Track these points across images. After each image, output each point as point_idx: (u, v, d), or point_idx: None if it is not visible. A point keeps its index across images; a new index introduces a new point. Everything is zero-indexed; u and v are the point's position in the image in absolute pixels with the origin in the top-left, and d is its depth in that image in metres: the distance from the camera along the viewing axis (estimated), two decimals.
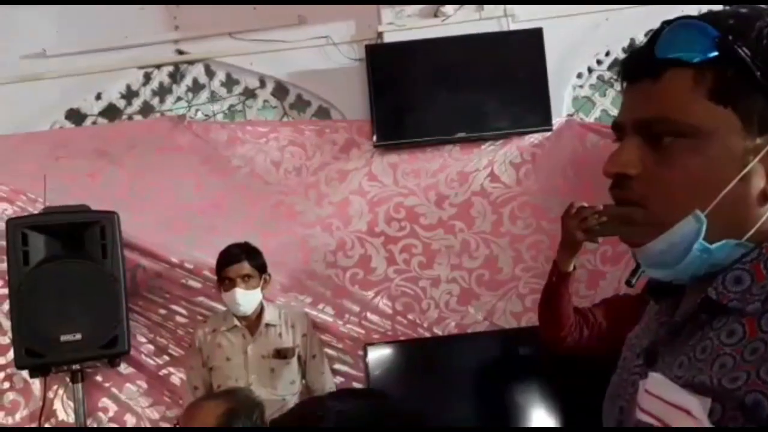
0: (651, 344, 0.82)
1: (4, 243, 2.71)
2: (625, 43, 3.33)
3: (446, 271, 3.13)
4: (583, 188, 2.86)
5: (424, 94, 3.18)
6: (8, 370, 2.83)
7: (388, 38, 3.28)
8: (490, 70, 3.17)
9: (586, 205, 2.01)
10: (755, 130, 0.73)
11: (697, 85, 0.74)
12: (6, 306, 2.78)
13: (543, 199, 3.16)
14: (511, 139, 3.22)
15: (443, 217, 3.18)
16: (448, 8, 3.26)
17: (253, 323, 2.74)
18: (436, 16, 3.29)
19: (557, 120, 3.18)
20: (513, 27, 3.23)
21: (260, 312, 2.75)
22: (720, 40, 0.73)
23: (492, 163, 3.21)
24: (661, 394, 0.74)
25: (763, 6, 0.77)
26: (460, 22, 3.25)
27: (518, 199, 3.19)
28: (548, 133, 3.18)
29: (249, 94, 3.47)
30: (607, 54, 3.36)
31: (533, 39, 3.14)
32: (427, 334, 3.08)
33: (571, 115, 3.30)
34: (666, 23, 0.78)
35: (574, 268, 2.11)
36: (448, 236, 3.17)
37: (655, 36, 0.79)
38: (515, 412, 2.95)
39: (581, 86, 3.37)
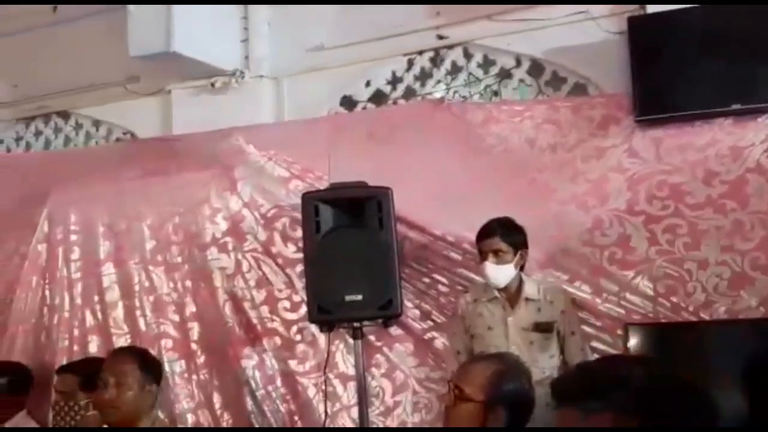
0: None
1: (297, 214, 3.14)
2: None
3: (715, 253, 2.95)
4: None
5: (692, 65, 3.00)
6: (299, 324, 3.27)
7: (651, 9, 3.15)
8: (766, 36, 2.90)
9: None
10: None
11: None
12: (298, 268, 3.22)
13: None
14: None
15: (712, 195, 2.99)
16: None
17: (513, 296, 2.83)
18: None
19: None
20: None
21: (519, 285, 2.84)
22: None
23: None
24: None
25: None
26: None
27: None
28: None
29: (505, 74, 3.56)
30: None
31: None
32: (693, 318, 2.94)
33: None
34: None
35: None
36: (717, 215, 2.98)
37: None
38: None
39: None
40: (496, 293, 2.83)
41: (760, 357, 2.80)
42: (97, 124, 4.37)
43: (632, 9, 3.20)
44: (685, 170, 3.04)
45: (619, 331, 2.93)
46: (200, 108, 3.85)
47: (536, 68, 3.50)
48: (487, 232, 2.79)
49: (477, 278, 3.03)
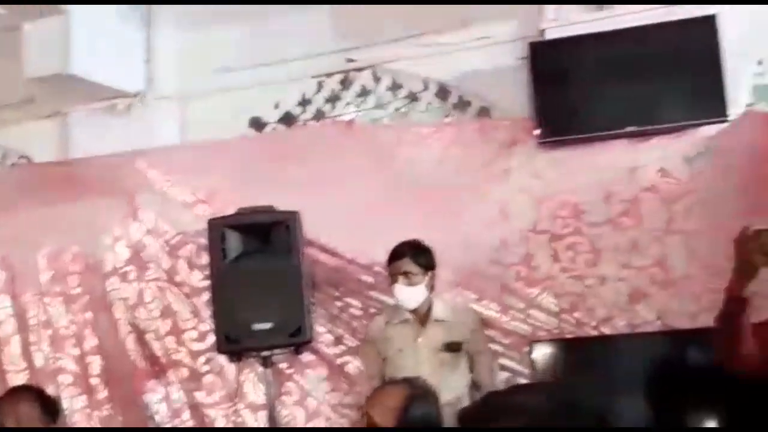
0: None
1: (203, 240, 3.06)
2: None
3: (614, 269, 3.07)
4: (763, 183, 2.70)
5: (591, 89, 3.13)
6: (207, 354, 3.18)
7: (551, 35, 3.27)
8: (659, 61, 3.06)
9: (764, 228, 1.90)
10: None
11: None
12: (205, 297, 3.13)
13: (719, 195, 3.00)
14: (683, 131, 3.08)
15: (611, 213, 3.12)
16: None
17: (423, 317, 2.85)
18: (600, 9, 3.23)
19: (735, 111, 3.01)
20: (684, 15, 3.10)
21: (429, 306, 2.86)
22: None
23: (663, 157, 3.10)
24: None
25: None
26: (626, 14, 3.17)
27: (692, 195, 3.06)
28: (725, 125, 3.01)
29: (413, 97, 3.61)
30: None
31: (707, 26, 3.00)
32: (595, 333, 3.04)
33: (750, 105, 3.11)
34: None
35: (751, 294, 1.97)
36: (615, 233, 3.11)
37: None
38: (686, 417, 2.84)
39: (761, 74, 3.16)
40: (407, 315, 2.85)
41: (658, 367, 2.93)
42: None
43: (533, 35, 3.31)
44: (585, 190, 3.16)
45: (526, 348, 2.99)
46: (100, 131, 3.70)
47: (443, 92, 3.57)
48: (397, 254, 2.81)
49: (389, 300, 3.04)
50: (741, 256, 1.94)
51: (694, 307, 2.98)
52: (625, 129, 3.08)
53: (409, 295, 2.79)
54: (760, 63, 3.14)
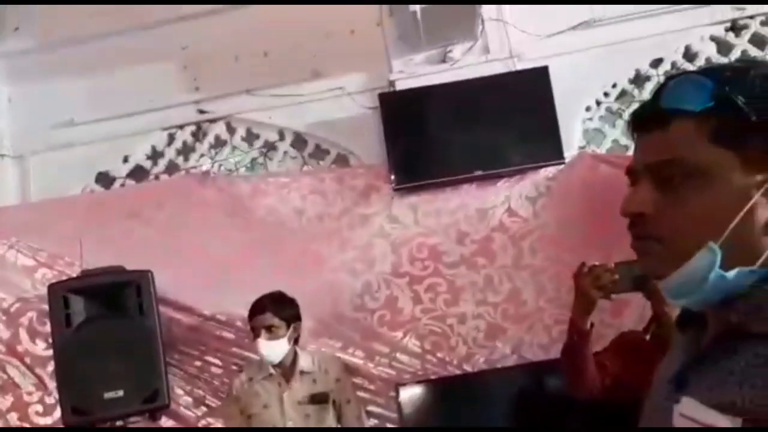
0: (680, 371, 0.88)
1: (44, 306, 2.84)
2: (631, 75, 3.43)
3: (472, 307, 3.19)
4: (598, 217, 2.92)
5: (438, 137, 3.28)
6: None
7: (400, 86, 3.41)
8: (500, 109, 3.28)
9: (597, 264, 2.06)
10: (755, 167, 0.82)
11: (699, 131, 0.84)
12: (50, 367, 2.89)
13: (560, 230, 3.22)
14: (526, 174, 3.30)
15: (465, 253, 3.25)
16: (456, 53, 3.39)
17: (287, 370, 2.80)
18: (444, 61, 3.42)
19: (569, 153, 3.27)
20: (519, 67, 3.34)
21: (294, 359, 2.81)
22: (717, 91, 0.83)
23: (509, 198, 3.29)
24: (694, 416, 0.81)
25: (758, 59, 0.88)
26: (467, 66, 3.37)
27: (536, 232, 3.26)
28: (561, 166, 3.26)
29: (269, 146, 3.60)
30: (614, 86, 3.45)
31: (540, 76, 3.25)
32: (457, 371, 3.13)
33: (582, 148, 3.38)
34: (669, 78, 0.89)
35: (592, 325, 2.12)
36: (471, 272, 3.24)
37: (659, 90, 0.89)
38: None
39: (590, 119, 3.46)
40: (271, 369, 2.78)
41: (517, 400, 3.05)
42: None
43: (383, 86, 3.43)
44: (440, 232, 3.28)
45: (392, 393, 3.01)
46: None
47: (299, 141, 3.59)
48: (258, 308, 2.75)
49: (252, 356, 2.96)
50: (579, 290, 2.09)
51: (545, 339, 3.15)
52: (473, 173, 3.24)
53: (273, 349, 2.73)
54: (588, 109, 3.44)
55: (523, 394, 3.09)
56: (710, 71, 0.86)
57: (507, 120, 3.27)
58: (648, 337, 1.98)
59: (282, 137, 3.60)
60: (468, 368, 3.14)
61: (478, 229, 3.28)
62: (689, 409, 0.82)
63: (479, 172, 3.24)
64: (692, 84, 0.85)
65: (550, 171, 3.29)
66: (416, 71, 3.38)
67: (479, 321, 3.19)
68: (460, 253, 3.26)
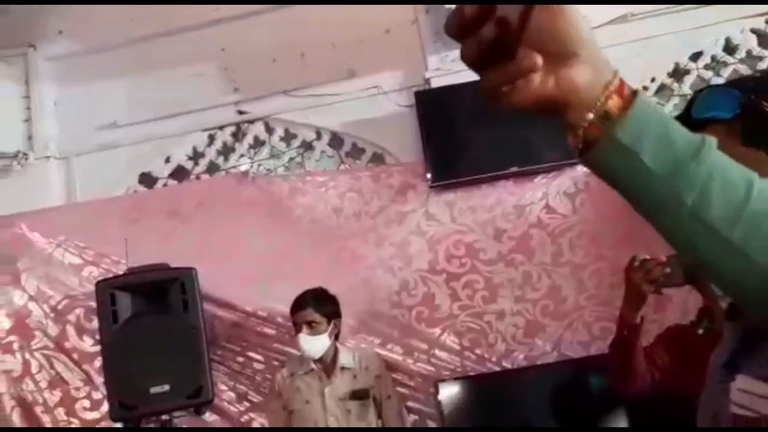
0: (731, 356, 0.94)
1: (91, 304, 2.92)
2: (670, 68, 3.39)
3: (510, 304, 3.19)
4: (637, 214, 2.88)
5: (475, 133, 3.28)
6: (103, 423, 3.00)
7: (436, 83, 3.42)
8: None
9: (648, 257, 2.03)
10: None
11: (731, 135, 0.92)
12: (97, 363, 2.97)
13: (600, 226, 3.20)
14: (563, 169, 3.28)
15: (503, 250, 3.25)
16: None
17: (328, 366, 2.83)
18: None
19: None
20: None
21: (335, 355, 2.84)
22: (744, 99, 0.93)
23: (547, 194, 3.28)
24: (751, 389, 0.87)
25: None
26: None
27: (575, 229, 3.24)
28: None
29: (307, 146, 3.64)
30: (653, 80, 3.41)
31: None
32: (496, 368, 3.12)
33: None
34: (697, 92, 0.98)
35: (642, 319, 2.10)
36: (508, 269, 3.23)
37: (690, 104, 0.98)
38: None
39: None
40: (313, 365, 2.81)
41: (557, 398, 3.04)
42: None
43: (418, 84, 3.45)
44: (477, 229, 3.28)
45: (431, 389, 3.02)
46: None
47: (336, 140, 3.63)
48: (299, 304, 2.78)
49: (293, 351, 2.99)
50: (630, 284, 2.07)
51: (586, 336, 3.13)
52: (509, 170, 3.24)
53: (314, 344, 2.76)
54: None
55: (563, 392, 3.07)
56: (735, 82, 0.98)
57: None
58: (701, 331, 1.95)
59: (319, 137, 3.64)
60: (507, 365, 3.14)
61: (515, 226, 3.27)
62: (745, 383, 0.88)
63: (515, 169, 3.24)
64: (721, 95, 0.95)
65: None
66: (452, 68, 3.38)
67: (518, 318, 3.18)
68: (497, 250, 3.25)
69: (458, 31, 0.60)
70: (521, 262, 3.23)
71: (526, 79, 0.61)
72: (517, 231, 3.26)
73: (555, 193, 3.28)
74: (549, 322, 3.17)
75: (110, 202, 3.46)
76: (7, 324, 3.08)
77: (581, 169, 3.27)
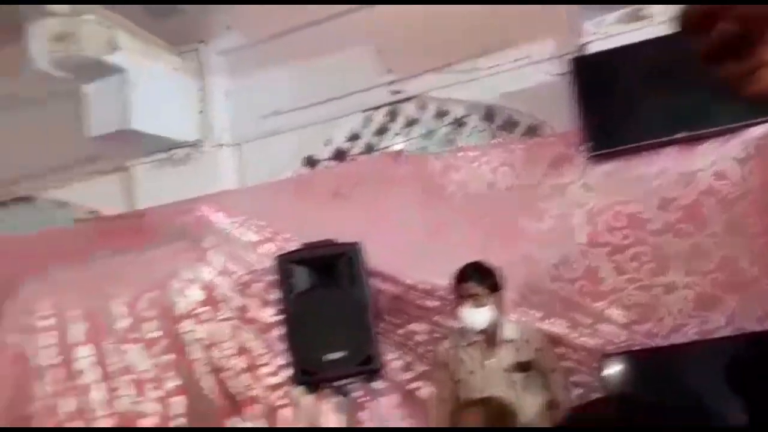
0: None
1: (270, 277, 3.17)
2: None
3: (680, 276, 3.06)
4: None
5: (636, 99, 3.16)
6: (284, 389, 3.25)
7: (592, 48, 3.31)
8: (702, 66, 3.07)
9: None
10: None
11: None
12: (276, 332, 3.22)
13: None
14: (733, 133, 3.08)
15: (670, 220, 3.11)
16: (650, 9, 3.23)
17: (491, 338, 2.86)
18: (638, 19, 3.27)
19: None
20: None
21: (497, 327, 2.87)
22: None
23: (716, 161, 3.09)
24: None
25: None
26: (663, 22, 3.19)
27: (749, 196, 3.04)
28: None
29: (459, 122, 3.68)
30: None
31: None
32: (665, 343, 3.02)
33: None
34: None
35: None
36: (677, 240, 3.09)
37: None
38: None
39: None
40: (475, 337, 2.86)
41: (731, 373, 2.89)
42: (61, 205, 4.34)
43: (571, 51, 3.36)
44: (640, 199, 3.16)
45: (596, 363, 2.98)
46: (162, 181, 3.88)
47: (489, 114, 3.63)
48: (462, 276, 2.83)
49: (454, 324, 3.06)
50: None
51: (762, 310, 2.95)
52: (675, 135, 3.09)
53: (476, 316, 2.80)
54: None
55: (739, 367, 2.92)
56: None
57: (710, 77, 3.05)
58: None
59: (472, 111, 3.66)
60: (677, 339, 3.02)
61: (683, 195, 3.11)
62: None
63: (683, 134, 3.08)
64: None
65: (758, 130, 3.03)
66: (609, 32, 3.26)
67: (688, 291, 3.05)
68: (664, 220, 3.12)
69: (698, 25, 0.66)
70: (690, 232, 3.08)
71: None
72: (685, 200, 3.10)
73: (725, 159, 3.08)
74: (722, 294, 3.01)
75: (279, 184, 3.71)
76: (198, 297, 3.41)
77: (753, 132, 3.05)
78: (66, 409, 3.39)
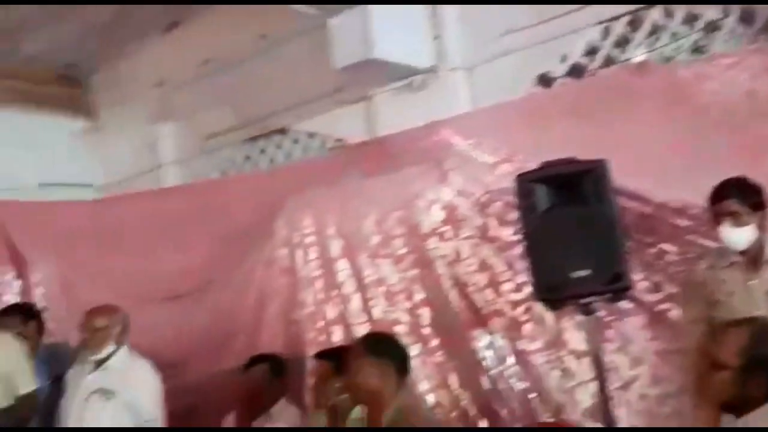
0: None
1: (509, 197, 3.22)
2: None
3: None
4: None
5: None
6: (526, 305, 3.34)
7: None
8: None
9: None
10: None
11: None
12: (516, 251, 3.30)
13: None
14: None
15: None
16: None
17: (753, 259, 2.68)
18: None
19: None
20: None
21: (761, 248, 2.67)
22: None
23: None
24: None
25: None
26: None
27: None
28: None
29: (712, 27, 3.36)
30: None
31: None
32: None
33: None
34: None
35: None
36: None
37: None
38: None
39: None
40: (735, 257, 2.69)
41: None
42: (311, 136, 4.80)
43: None
44: None
45: None
46: (402, 108, 4.08)
47: (747, 16, 3.26)
48: (720, 194, 2.66)
49: (709, 244, 2.90)
50: None
51: None
52: None
53: (738, 236, 2.63)
54: None
55: None
56: None
57: None
58: None
59: (726, 14, 3.31)
60: None
61: None
62: None
63: None
64: None
65: None
66: None
67: None
68: None
69: None
70: None
71: None
72: None
73: None
74: None
75: (512, 104, 3.70)
76: (440, 216, 3.58)
77: None
78: (330, 316, 3.82)
